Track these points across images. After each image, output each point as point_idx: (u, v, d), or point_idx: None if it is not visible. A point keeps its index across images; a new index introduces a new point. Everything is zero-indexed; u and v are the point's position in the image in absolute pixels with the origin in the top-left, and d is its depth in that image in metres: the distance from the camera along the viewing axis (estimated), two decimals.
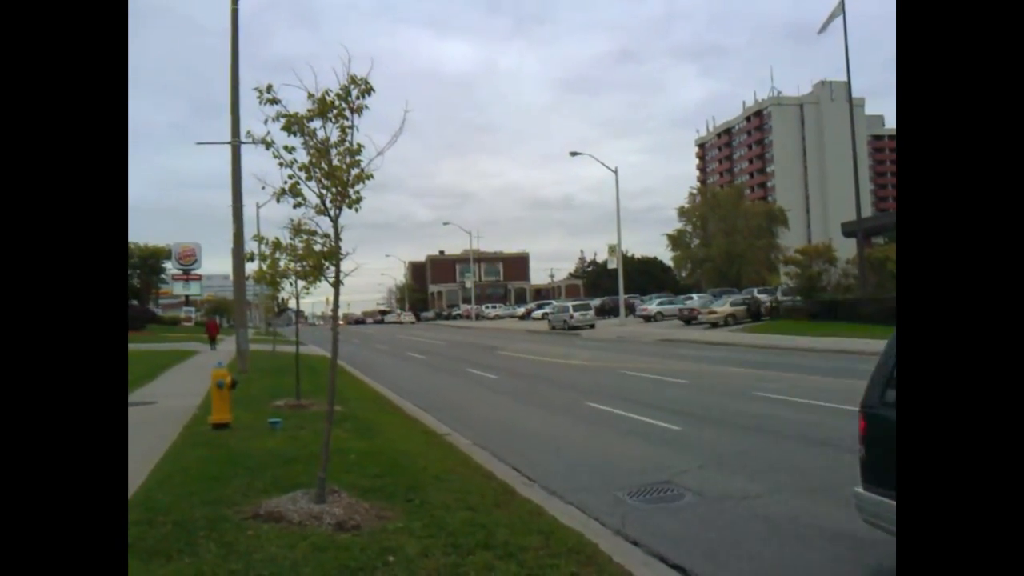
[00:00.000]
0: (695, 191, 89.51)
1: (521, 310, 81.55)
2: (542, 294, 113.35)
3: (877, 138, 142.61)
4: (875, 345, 24.76)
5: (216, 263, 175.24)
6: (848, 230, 46.26)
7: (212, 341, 36.89)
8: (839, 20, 36.98)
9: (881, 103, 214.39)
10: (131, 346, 32.07)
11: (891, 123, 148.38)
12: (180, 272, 67.72)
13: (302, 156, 6.20)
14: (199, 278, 69.86)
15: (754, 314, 41.56)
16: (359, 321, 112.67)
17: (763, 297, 46.05)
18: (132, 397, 15.01)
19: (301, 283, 11.52)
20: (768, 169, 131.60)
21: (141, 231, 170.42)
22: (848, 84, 40.57)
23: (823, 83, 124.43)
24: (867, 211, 67.32)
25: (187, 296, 71.20)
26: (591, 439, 10.56)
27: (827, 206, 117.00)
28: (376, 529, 5.68)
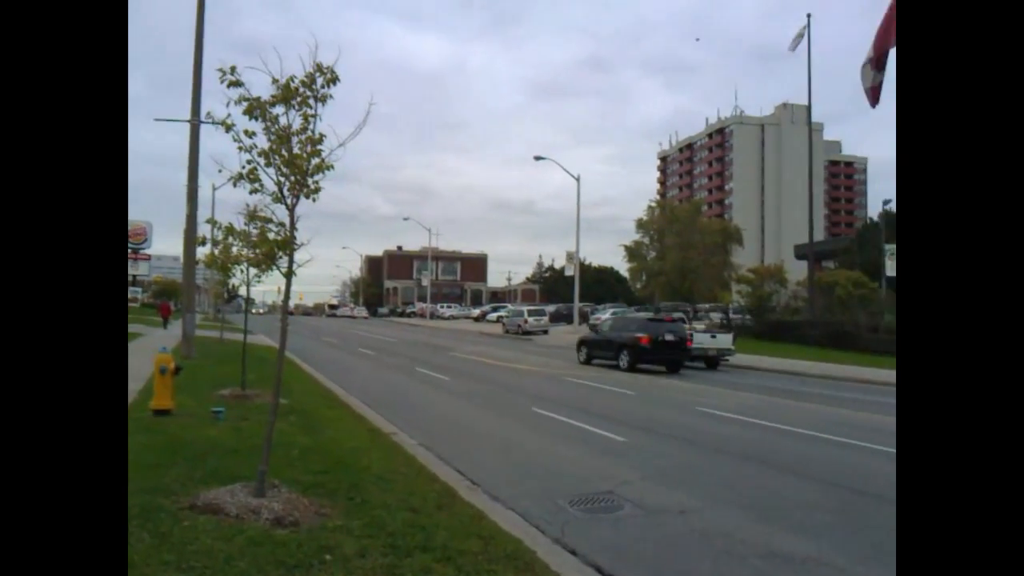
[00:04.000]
0: (654, 204, 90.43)
1: (476, 312, 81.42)
2: (498, 297, 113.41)
3: (834, 163, 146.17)
4: (819, 368, 25.42)
5: (166, 244, 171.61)
6: (800, 253, 47.41)
7: (164, 322, 37.54)
8: (805, 43, 37.88)
9: (840, 129, 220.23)
10: None
11: (848, 149, 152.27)
12: (129, 251, 65.96)
13: (262, 142, 6.12)
14: (148, 258, 68.23)
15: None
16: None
17: (715, 315, 46.87)
18: None
19: (253, 271, 11.41)
20: (727, 187, 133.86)
21: None
22: (809, 108, 41.56)
23: (785, 105, 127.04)
24: (819, 235, 68.99)
25: (134, 276, 69.43)
26: (537, 445, 10.61)
27: (781, 227, 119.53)
28: (315, 526, 5.62)
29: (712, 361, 26.65)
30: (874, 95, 15.58)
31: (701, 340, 26.27)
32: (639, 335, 23.88)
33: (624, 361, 24.17)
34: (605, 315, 53.10)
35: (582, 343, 27.47)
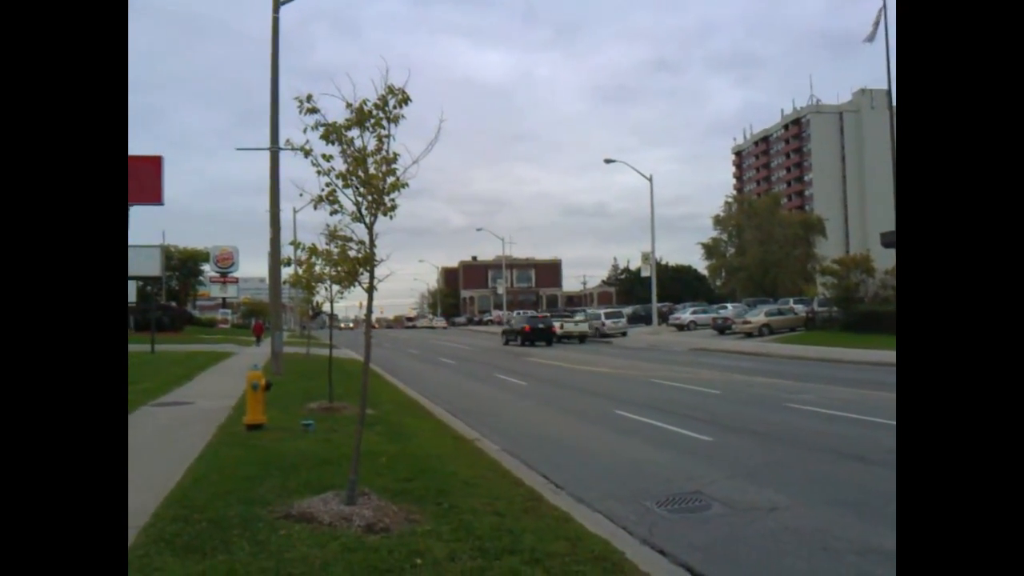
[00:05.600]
0: (731, 199, 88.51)
1: None
2: (574, 301, 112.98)
3: None
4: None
5: (253, 266, 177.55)
6: (887, 241, 45.42)
7: (258, 340, 43.94)
8: (881, 26, 36.53)
9: None
10: (169, 347, 32.77)
11: None
12: (218, 275, 68.73)
13: (339, 164, 6.33)
14: (236, 281, 70.88)
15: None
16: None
17: (799, 308, 45.59)
18: (170, 397, 15.35)
19: (336, 288, 11.76)
20: (806, 178, 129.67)
21: (182, 234, 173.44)
22: (889, 92, 39.99)
23: (863, 91, 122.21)
24: None
25: (224, 298, 72.30)
26: (620, 448, 10.56)
27: (866, 216, 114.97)
28: (405, 531, 5.76)
29: (582, 337, 44.56)
30: None
31: (568, 327, 44.99)
32: (524, 326, 42.39)
33: (518, 340, 41.92)
34: (686, 314, 52.62)
35: (504, 332, 46.11)
